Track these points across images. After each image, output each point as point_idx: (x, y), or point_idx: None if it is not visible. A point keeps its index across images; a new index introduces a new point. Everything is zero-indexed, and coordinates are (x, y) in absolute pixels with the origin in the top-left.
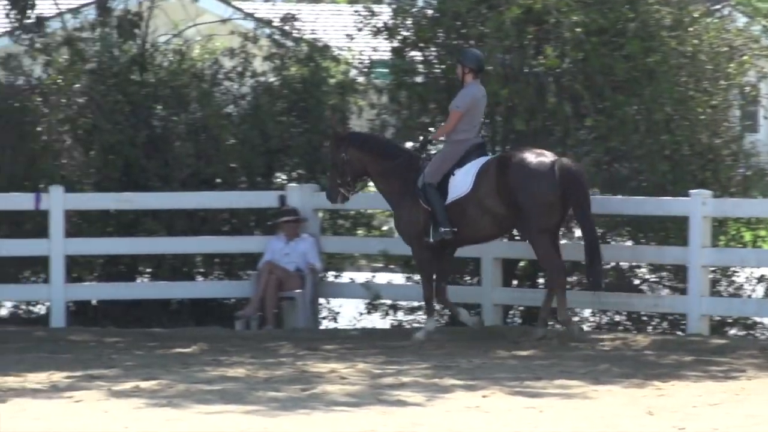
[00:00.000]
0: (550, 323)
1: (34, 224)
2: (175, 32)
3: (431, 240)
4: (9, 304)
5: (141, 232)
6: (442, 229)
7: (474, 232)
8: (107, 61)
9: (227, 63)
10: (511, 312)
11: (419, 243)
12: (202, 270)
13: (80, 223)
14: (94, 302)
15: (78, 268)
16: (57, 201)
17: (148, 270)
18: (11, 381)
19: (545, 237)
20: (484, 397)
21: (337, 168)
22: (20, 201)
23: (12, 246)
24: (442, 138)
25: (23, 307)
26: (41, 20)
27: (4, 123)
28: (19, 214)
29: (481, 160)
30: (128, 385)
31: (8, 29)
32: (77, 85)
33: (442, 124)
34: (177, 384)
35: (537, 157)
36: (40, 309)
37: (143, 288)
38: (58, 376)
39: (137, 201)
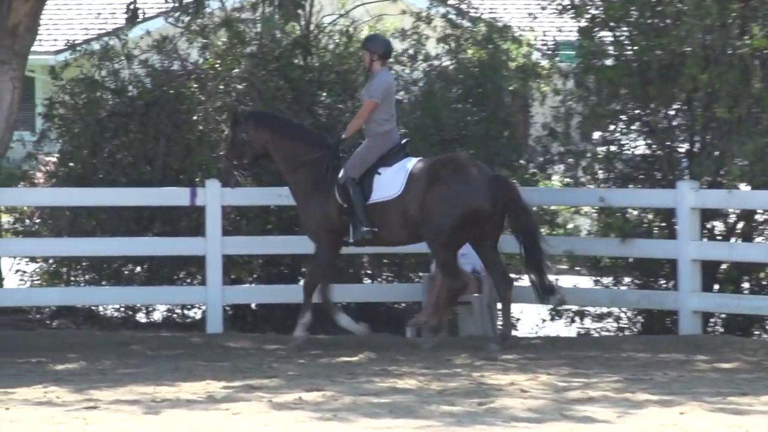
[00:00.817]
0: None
1: (189, 221)
2: (342, 12)
3: (351, 240)
4: (163, 307)
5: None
6: (364, 229)
7: (390, 236)
8: (268, 44)
9: (398, 45)
10: (711, 320)
11: (325, 241)
12: (369, 271)
13: (239, 220)
14: (253, 306)
15: (236, 268)
16: (214, 196)
17: None
18: (165, 391)
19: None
20: (681, 414)
21: (234, 148)
22: (175, 196)
23: (166, 245)
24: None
25: (178, 310)
26: (199, 0)
27: (158, 111)
28: (173, 210)
29: (410, 162)
30: (290, 397)
31: (164, 10)
32: (236, 70)
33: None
34: (343, 396)
35: (470, 167)
36: (195, 313)
37: None
38: (214, 386)
39: None
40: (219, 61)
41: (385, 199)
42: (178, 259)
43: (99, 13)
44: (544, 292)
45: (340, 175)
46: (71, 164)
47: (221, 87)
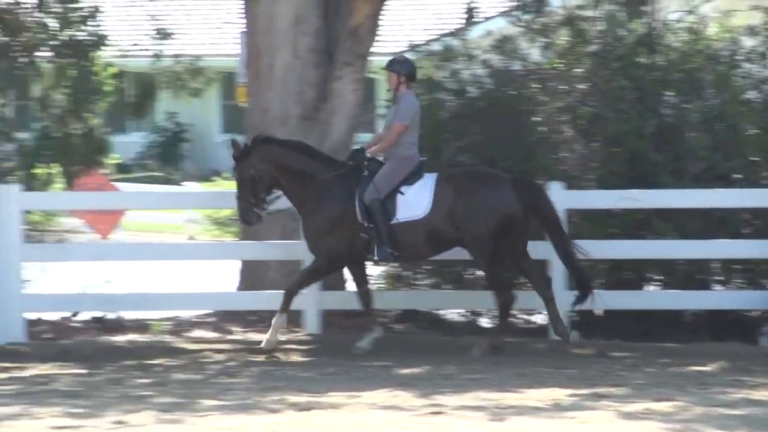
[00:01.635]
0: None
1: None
2: (689, 8)
3: (377, 259)
4: None
5: (649, 233)
6: (389, 250)
7: (415, 253)
8: (611, 43)
9: (747, 42)
10: None
11: (332, 258)
12: (719, 278)
13: (581, 223)
14: (598, 312)
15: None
16: (557, 198)
17: (658, 277)
18: (511, 398)
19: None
20: None
21: (245, 186)
22: None
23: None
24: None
25: (521, 316)
26: None
27: (498, 112)
28: None
29: (430, 178)
30: (639, 406)
31: (504, 10)
32: (578, 70)
33: (382, 137)
34: (693, 407)
35: (492, 175)
36: (538, 319)
37: (652, 297)
38: (560, 393)
39: (645, 199)
40: (561, 61)
41: (412, 219)
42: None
43: (439, 14)
44: (583, 294)
45: (366, 195)
46: None
47: (563, 87)
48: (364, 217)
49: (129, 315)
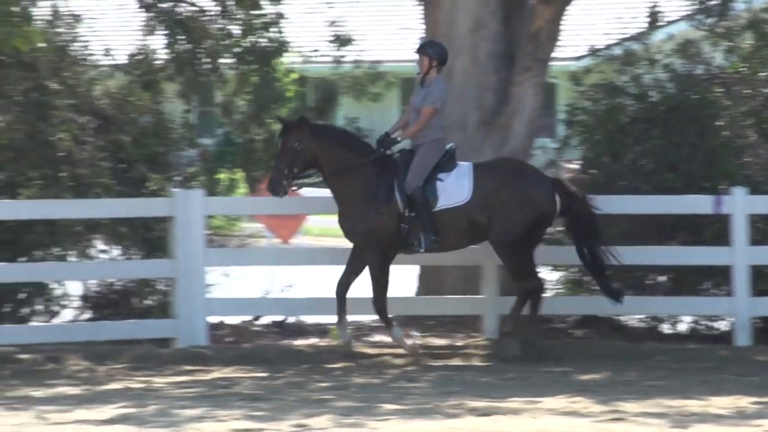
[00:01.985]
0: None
1: (714, 230)
2: None
3: (422, 249)
4: (688, 318)
5: None
6: (433, 237)
7: (455, 242)
8: None
9: None
10: None
11: (381, 251)
12: None
13: (766, 230)
14: None
15: (764, 280)
16: (740, 204)
17: None
18: (693, 405)
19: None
20: None
21: (286, 157)
22: (698, 203)
23: (690, 254)
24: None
25: (703, 322)
26: (726, 2)
27: (681, 116)
28: (697, 218)
29: (467, 166)
30: None
31: (687, 13)
32: (763, 74)
33: (408, 120)
34: None
35: (533, 170)
36: (721, 325)
37: None
38: (744, 402)
39: None
40: (745, 64)
41: (453, 206)
42: (702, 269)
43: (621, 18)
44: (610, 296)
45: (406, 184)
46: (592, 171)
47: (747, 91)
48: (405, 206)
49: (309, 319)
